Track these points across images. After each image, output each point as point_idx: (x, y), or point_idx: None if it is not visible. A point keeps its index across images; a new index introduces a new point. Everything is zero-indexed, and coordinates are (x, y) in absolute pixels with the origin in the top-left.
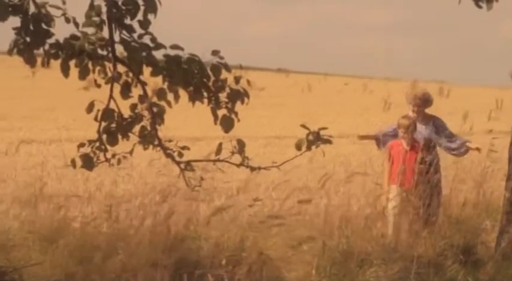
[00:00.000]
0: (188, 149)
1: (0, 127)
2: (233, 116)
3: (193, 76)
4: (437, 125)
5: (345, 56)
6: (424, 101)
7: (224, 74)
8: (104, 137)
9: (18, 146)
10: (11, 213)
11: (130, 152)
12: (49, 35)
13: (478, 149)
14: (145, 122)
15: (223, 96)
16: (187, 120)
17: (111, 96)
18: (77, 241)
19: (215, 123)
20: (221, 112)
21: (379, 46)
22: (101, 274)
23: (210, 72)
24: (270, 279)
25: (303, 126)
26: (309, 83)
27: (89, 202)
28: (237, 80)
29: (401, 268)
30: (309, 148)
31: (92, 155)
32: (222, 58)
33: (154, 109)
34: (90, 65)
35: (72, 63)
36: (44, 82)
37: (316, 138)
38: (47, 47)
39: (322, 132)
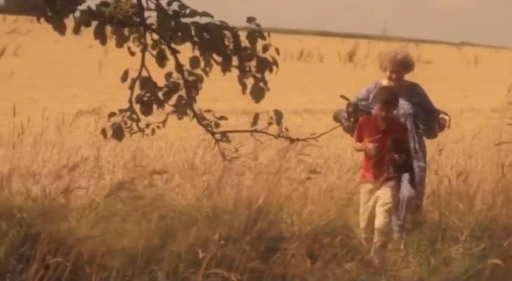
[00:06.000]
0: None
1: None
2: (262, 85)
3: (224, 44)
4: (419, 95)
5: None
6: (405, 65)
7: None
8: (137, 106)
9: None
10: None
11: (164, 122)
12: (79, 1)
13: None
14: (182, 92)
15: (252, 65)
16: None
17: (143, 65)
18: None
19: (243, 93)
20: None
21: None
22: (180, 246)
23: (246, 40)
24: (353, 254)
25: (343, 97)
26: (476, 57)
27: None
28: (265, 48)
29: (488, 245)
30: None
31: (123, 125)
32: (258, 25)
33: (190, 78)
34: (126, 32)
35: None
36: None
37: (355, 109)
38: (77, 14)
39: None
